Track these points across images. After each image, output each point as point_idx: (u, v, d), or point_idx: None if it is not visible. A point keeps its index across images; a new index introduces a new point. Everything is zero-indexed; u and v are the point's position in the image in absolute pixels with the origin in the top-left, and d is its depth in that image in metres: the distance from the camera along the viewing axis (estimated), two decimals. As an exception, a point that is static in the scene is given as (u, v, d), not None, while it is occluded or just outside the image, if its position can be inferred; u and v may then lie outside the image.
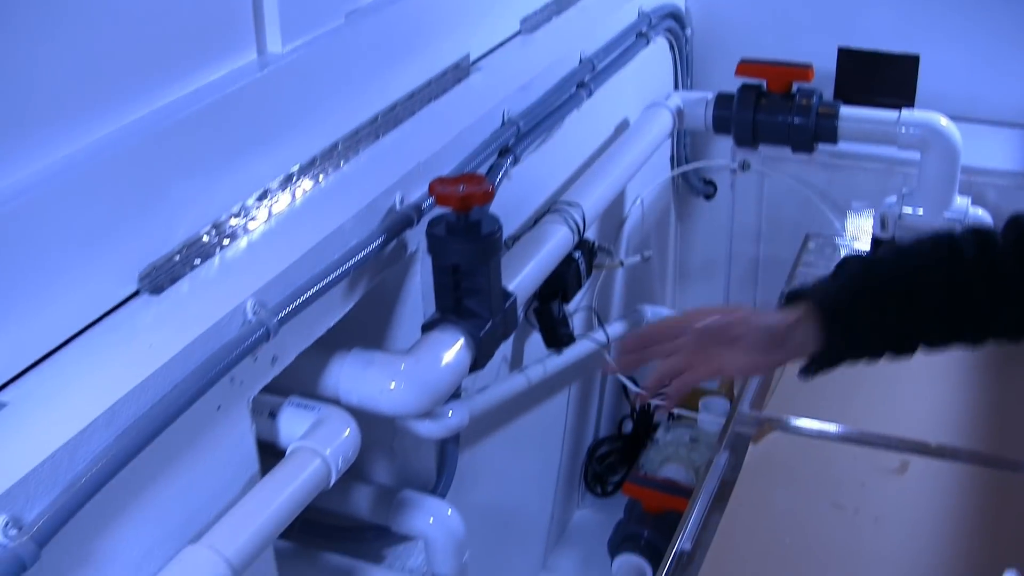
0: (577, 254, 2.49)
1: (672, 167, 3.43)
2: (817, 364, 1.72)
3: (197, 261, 1.70)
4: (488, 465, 2.54)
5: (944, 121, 2.79)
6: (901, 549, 2.00)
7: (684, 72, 3.33)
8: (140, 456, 1.41)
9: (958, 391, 2.36)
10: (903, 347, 1.69)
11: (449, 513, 2.09)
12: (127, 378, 1.43)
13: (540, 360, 2.58)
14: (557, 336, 2.53)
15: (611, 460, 3.32)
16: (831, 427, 2.26)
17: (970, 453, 2.19)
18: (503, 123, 2.30)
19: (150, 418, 1.43)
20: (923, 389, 2.35)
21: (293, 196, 1.89)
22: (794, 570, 1.96)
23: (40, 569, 1.28)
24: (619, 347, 1.75)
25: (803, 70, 2.84)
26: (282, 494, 1.60)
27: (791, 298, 1.73)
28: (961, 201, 2.85)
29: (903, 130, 2.80)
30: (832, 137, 2.85)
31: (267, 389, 1.73)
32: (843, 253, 2.95)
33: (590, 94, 2.61)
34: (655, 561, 2.73)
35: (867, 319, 1.67)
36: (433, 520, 2.08)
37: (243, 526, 1.55)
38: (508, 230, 2.35)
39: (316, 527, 2.18)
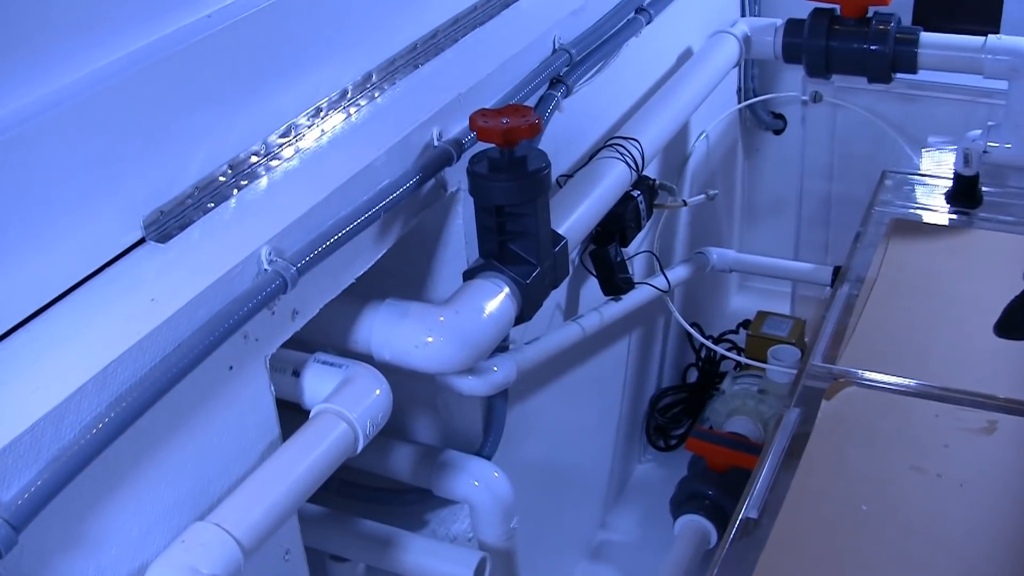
0: (636, 193, 2.32)
1: (739, 100, 3.25)
2: None
3: (211, 205, 1.55)
4: (541, 419, 2.40)
5: (1035, 47, 2.58)
6: (989, 517, 1.84)
7: (751, -2, 3.13)
8: (138, 424, 1.28)
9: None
10: None
11: (496, 476, 1.95)
12: (124, 337, 1.30)
13: (596, 308, 2.41)
14: (615, 282, 2.36)
15: (675, 411, 3.16)
16: (911, 382, 2.08)
17: (1066, 412, 2.01)
18: (554, 50, 2.13)
19: (149, 381, 1.30)
20: (1010, 343, 2.17)
21: (322, 132, 1.73)
22: (870, 540, 1.80)
23: (20, 553, 1.16)
24: None
25: (880, -7, 2.64)
26: (302, 464, 1.45)
27: None
28: (1052, 134, 2.64)
29: (989, 57, 2.59)
30: (911, 66, 2.65)
31: (293, 344, 1.59)
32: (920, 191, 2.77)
33: (649, 20, 2.44)
34: (720, 523, 2.57)
35: None
36: (478, 483, 1.94)
37: (257, 500, 1.41)
38: (561, 167, 2.20)
39: (355, 488, 2.05)
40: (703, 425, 2.93)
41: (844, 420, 2.02)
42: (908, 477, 1.90)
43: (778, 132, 3.43)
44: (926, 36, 2.64)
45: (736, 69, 3.11)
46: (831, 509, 1.86)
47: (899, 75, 2.71)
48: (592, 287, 2.43)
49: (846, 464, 1.95)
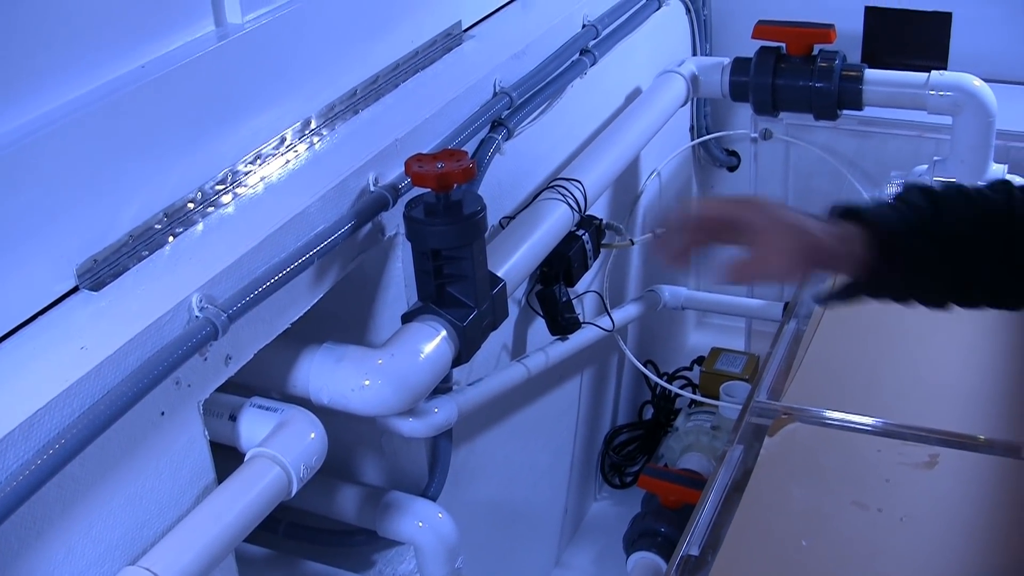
0: (582, 233, 2.34)
1: (692, 137, 3.26)
2: (848, 293, 1.53)
3: (145, 252, 1.56)
4: (492, 459, 2.40)
5: (977, 82, 2.61)
6: (928, 551, 1.84)
7: (703, 37, 3.15)
8: (67, 470, 1.29)
9: (992, 378, 2.19)
10: (946, 295, 1.53)
11: (439, 516, 1.95)
12: (52, 385, 1.30)
13: (542, 348, 2.42)
14: (560, 322, 2.37)
15: (631, 449, 3.16)
16: (854, 417, 2.09)
17: (1005, 445, 2.02)
18: (494, 94, 2.14)
19: (76, 428, 1.30)
20: (953, 377, 2.18)
21: (260, 178, 1.75)
22: None
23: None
24: (673, 228, 1.52)
25: (824, 31, 2.67)
26: (235, 508, 1.46)
27: (844, 215, 1.56)
28: (997, 168, 2.67)
29: (933, 93, 2.61)
30: (856, 103, 2.67)
31: (235, 388, 1.61)
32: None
33: (594, 61, 2.46)
34: (673, 559, 2.58)
35: (923, 258, 1.48)
36: (422, 524, 1.94)
37: (188, 544, 1.41)
38: (506, 208, 2.22)
39: (302, 530, 2.06)
40: (658, 462, 2.94)
41: (787, 456, 2.02)
42: (849, 512, 1.90)
43: (732, 169, 3.45)
44: (870, 73, 2.67)
45: (688, 107, 3.13)
46: (772, 545, 1.86)
47: (850, 112, 2.74)
48: (540, 327, 2.44)
49: (788, 500, 1.95)
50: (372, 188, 1.79)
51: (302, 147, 1.84)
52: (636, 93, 2.81)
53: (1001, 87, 2.73)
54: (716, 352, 3.12)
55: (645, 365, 2.97)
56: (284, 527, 2.04)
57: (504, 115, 2.15)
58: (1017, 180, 2.38)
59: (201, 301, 1.47)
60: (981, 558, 1.83)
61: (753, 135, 3.18)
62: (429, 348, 1.74)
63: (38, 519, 1.29)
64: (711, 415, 2.93)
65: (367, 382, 1.70)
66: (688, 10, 3.10)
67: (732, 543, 1.85)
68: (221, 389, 1.58)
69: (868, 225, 1.49)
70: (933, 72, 2.64)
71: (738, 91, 2.78)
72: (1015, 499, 1.93)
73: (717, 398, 2.91)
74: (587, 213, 2.27)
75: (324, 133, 1.88)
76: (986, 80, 2.66)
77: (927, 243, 1.49)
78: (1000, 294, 1.54)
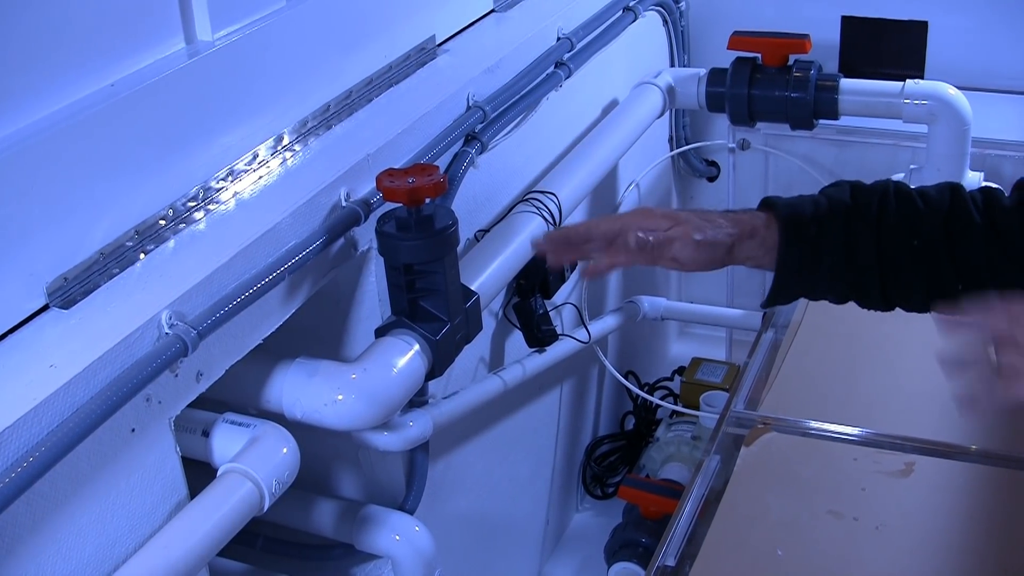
0: (558, 245, 2.34)
1: (671, 148, 3.27)
2: (775, 288, 1.59)
3: (116, 270, 1.56)
4: (471, 472, 2.41)
5: (952, 91, 2.63)
6: (903, 560, 1.84)
7: (680, 48, 3.17)
8: (37, 488, 1.29)
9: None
10: (869, 285, 1.58)
11: (416, 530, 1.96)
12: (20, 403, 1.30)
13: (519, 360, 2.43)
14: (537, 334, 2.37)
15: (612, 459, 3.16)
16: (831, 426, 2.10)
17: (981, 452, 2.02)
18: (467, 108, 2.15)
19: (45, 447, 1.30)
20: (929, 385, 2.18)
21: (233, 194, 1.75)
22: (785, 585, 1.81)
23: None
24: (547, 238, 1.64)
25: (799, 41, 2.68)
26: (206, 524, 1.47)
27: (764, 205, 1.60)
28: (973, 176, 2.69)
29: (908, 102, 2.63)
30: (832, 112, 2.68)
31: (210, 404, 1.61)
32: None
33: (569, 74, 2.47)
34: (654, 569, 2.58)
35: (829, 240, 1.54)
36: (399, 538, 1.95)
37: (159, 562, 1.42)
38: (481, 222, 2.22)
39: (280, 544, 2.06)
40: (639, 473, 2.94)
41: (763, 466, 2.03)
42: (824, 521, 1.91)
43: (712, 179, 3.45)
44: (846, 82, 2.68)
45: (667, 118, 3.14)
46: (747, 555, 1.87)
47: (827, 121, 2.75)
48: (518, 340, 2.45)
49: (764, 510, 1.95)
50: (344, 203, 1.80)
51: (275, 163, 1.84)
52: (612, 105, 2.81)
53: (977, 95, 2.74)
54: (697, 362, 3.13)
55: (626, 375, 2.98)
56: (261, 541, 2.04)
57: (478, 129, 2.15)
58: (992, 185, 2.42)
59: (171, 318, 1.47)
60: (956, 566, 1.84)
61: (731, 145, 3.18)
62: (402, 362, 1.75)
63: (7, 537, 1.29)
64: (692, 425, 2.93)
65: (340, 396, 1.70)
66: (665, 21, 3.11)
67: (708, 553, 1.85)
68: (195, 405, 1.58)
69: (778, 210, 1.54)
70: (908, 81, 2.65)
71: (714, 102, 2.79)
72: (990, 506, 1.94)
73: (698, 408, 2.91)
74: (563, 225, 2.27)
75: (297, 149, 1.89)
76: (962, 88, 2.67)
77: (834, 224, 1.53)
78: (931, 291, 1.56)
